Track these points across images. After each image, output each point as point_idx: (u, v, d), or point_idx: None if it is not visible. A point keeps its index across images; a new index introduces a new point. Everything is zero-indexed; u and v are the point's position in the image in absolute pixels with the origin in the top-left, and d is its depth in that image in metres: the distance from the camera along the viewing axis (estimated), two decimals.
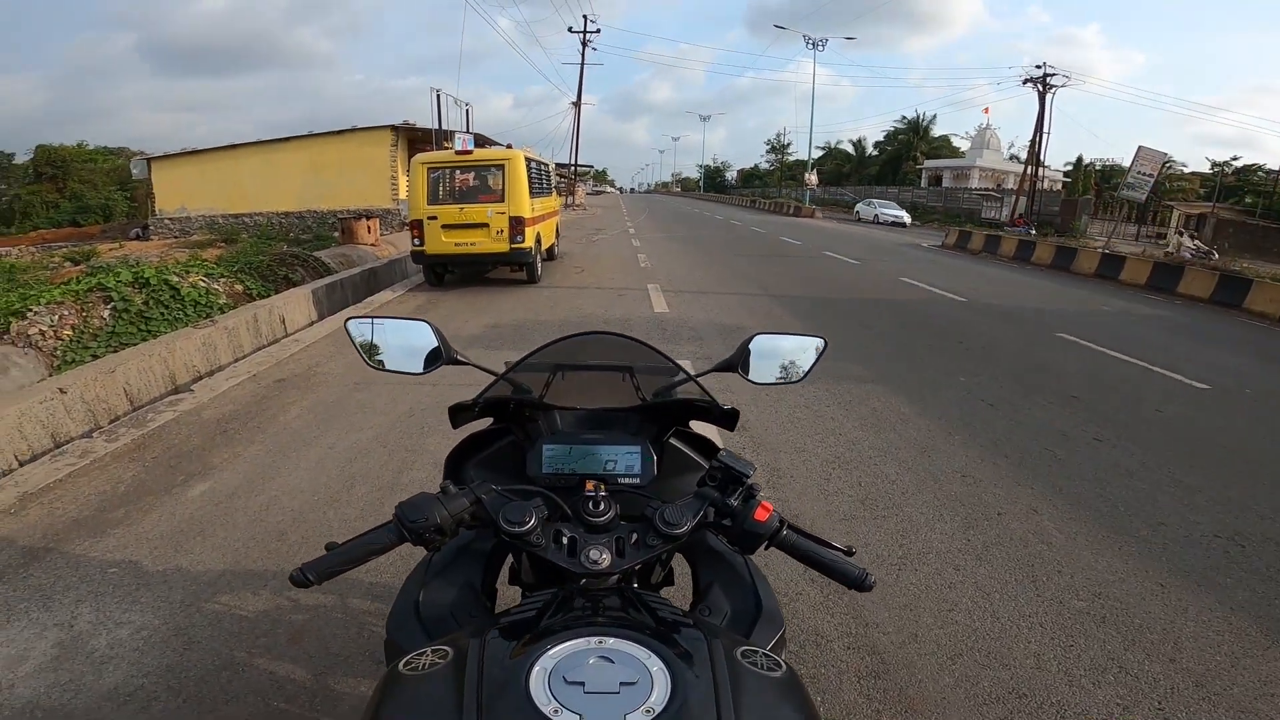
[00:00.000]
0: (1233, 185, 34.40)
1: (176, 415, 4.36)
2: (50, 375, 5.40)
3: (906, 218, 31.56)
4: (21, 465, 3.54)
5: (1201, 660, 2.21)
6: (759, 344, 1.23)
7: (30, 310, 6.07)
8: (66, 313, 6.23)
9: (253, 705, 1.91)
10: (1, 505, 3.09)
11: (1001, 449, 4.05)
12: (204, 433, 4.06)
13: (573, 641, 0.70)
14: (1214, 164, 37.96)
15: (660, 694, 0.64)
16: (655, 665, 0.67)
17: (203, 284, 7.68)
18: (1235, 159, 37.96)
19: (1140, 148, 15.91)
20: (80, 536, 2.82)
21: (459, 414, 1.15)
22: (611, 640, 0.70)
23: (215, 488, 3.29)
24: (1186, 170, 40.04)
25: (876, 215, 32.36)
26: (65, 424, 3.98)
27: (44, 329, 5.93)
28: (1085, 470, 3.76)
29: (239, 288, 8.38)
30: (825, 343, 1.25)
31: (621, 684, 0.65)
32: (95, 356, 5.68)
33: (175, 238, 20.74)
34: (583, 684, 0.65)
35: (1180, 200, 30.25)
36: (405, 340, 1.23)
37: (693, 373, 1.18)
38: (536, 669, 0.66)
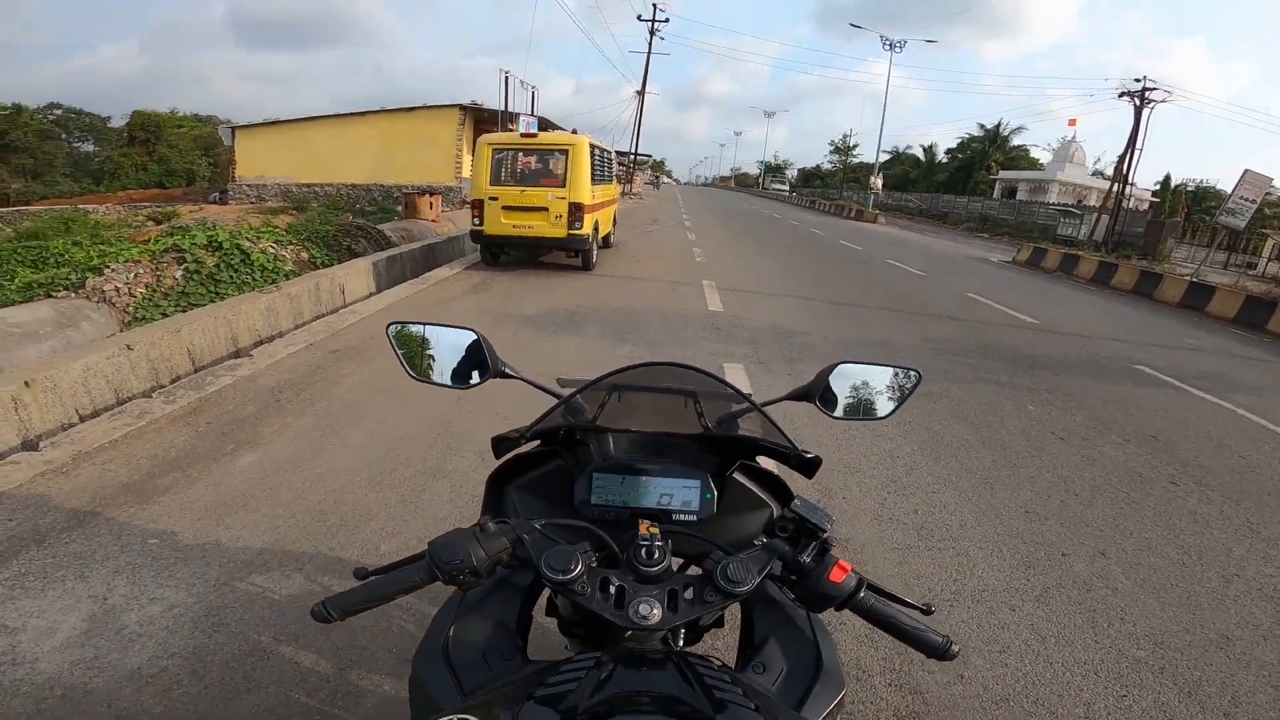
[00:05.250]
0: None
1: (234, 380, 4.46)
2: (120, 331, 5.62)
3: None
4: (82, 420, 3.66)
5: (1256, 716, 2.17)
6: (842, 373, 1.10)
7: (108, 267, 6.34)
8: (141, 271, 6.49)
9: (273, 696, 1.89)
10: (56, 463, 3.16)
11: (1071, 486, 3.82)
12: (258, 400, 4.14)
13: None
14: None
15: None
16: None
17: (272, 250, 7.91)
18: None
19: (1246, 171, 14.82)
20: (126, 502, 2.87)
21: (503, 444, 1.05)
22: None
23: (263, 460, 3.33)
24: None
25: None
26: (129, 381, 4.11)
27: (119, 286, 6.18)
28: (1159, 515, 3.56)
29: (305, 255, 8.63)
30: (919, 375, 1.11)
31: None
32: (165, 315, 5.89)
33: (252, 203, 21.64)
34: None
35: (1276, 228, 28.00)
36: (450, 348, 1.15)
37: (758, 399, 1.06)
38: None
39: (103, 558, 2.48)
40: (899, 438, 4.33)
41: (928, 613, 0.88)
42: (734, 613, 1.04)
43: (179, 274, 6.78)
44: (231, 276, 7.19)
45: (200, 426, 3.72)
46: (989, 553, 3.02)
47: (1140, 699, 2.19)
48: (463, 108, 21.20)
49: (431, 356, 1.17)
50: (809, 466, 1.03)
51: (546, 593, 1.12)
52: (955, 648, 0.86)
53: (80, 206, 19.87)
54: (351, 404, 4.15)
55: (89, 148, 44.64)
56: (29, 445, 3.28)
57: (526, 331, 6.15)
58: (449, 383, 1.16)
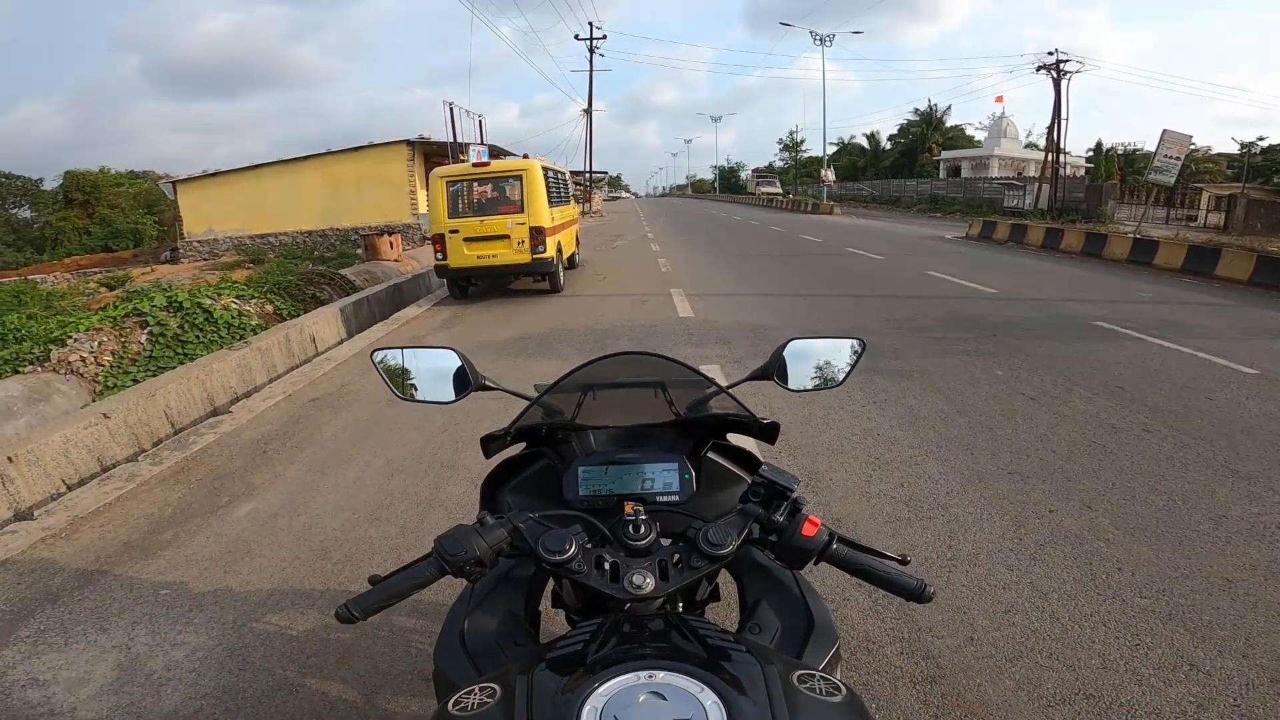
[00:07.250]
0: (1260, 165, 33.14)
1: (217, 437, 4.42)
2: (93, 401, 5.52)
3: None
4: (70, 490, 3.62)
5: (1275, 655, 2.12)
6: (794, 349, 1.20)
7: (70, 337, 6.22)
8: (105, 339, 6.38)
9: None
10: (53, 529, 3.16)
11: (1048, 443, 3.94)
12: (245, 454, 4.12)
13: (622, 677, 0.68)
14: (1241, 145, 36.83)
15: None
16: (709, 699, 0.65)
17: (235, 305, 7.83)
18: (1261, 139, 36.73)
19: (1165, 131, 15.62)
20: (131, 559, 2.87)
21: (491, 443, 1.13)
22: (661, 674, 0.68)
23: (259, 508, 3.32)
24: (1212, 152, 39.29)
25: None
26: (110, 448, 4.06)
27: (84, 355, 6.07)
28: (1138, 463, 3.63)
29: (269, 308, 8.54)
30: (863, 344, 1.22)
31: None
32: (135, 381, 5.80)
33: (205, 259, 21.22)
34: None
35: (1208, 181, 29.38)
36: (432, 368, 1.22)
37: (725, 384, 1.15)
38: (587, 709, 0.64)
39: (118, 610, 2.50)
40: (877, 415, 4.44)
41: (904, 562, 0.94)
42: (730, 585, 1.12)
43: (144, 338, 6.68)
44: (198, 336, 7.10)
45: (191, 484, 3.70)
46: (978, 516, 3.07)
47: (1155, 647, 2.17)
48: (410, 143, 21.07)
49: (415, 377, 1.22)
50: (769, 433, 1.12)
51: (552, 586, 1.19)
52: (930, 590, 0.91)
53: (29, 278, 19.40)
54: (338, 448, 4.15)
55: (25, 213, 43.05)
56: (22, 516, 3.26)
57: (503, 360, 6.17)
58: (433, 399, 1.22)
